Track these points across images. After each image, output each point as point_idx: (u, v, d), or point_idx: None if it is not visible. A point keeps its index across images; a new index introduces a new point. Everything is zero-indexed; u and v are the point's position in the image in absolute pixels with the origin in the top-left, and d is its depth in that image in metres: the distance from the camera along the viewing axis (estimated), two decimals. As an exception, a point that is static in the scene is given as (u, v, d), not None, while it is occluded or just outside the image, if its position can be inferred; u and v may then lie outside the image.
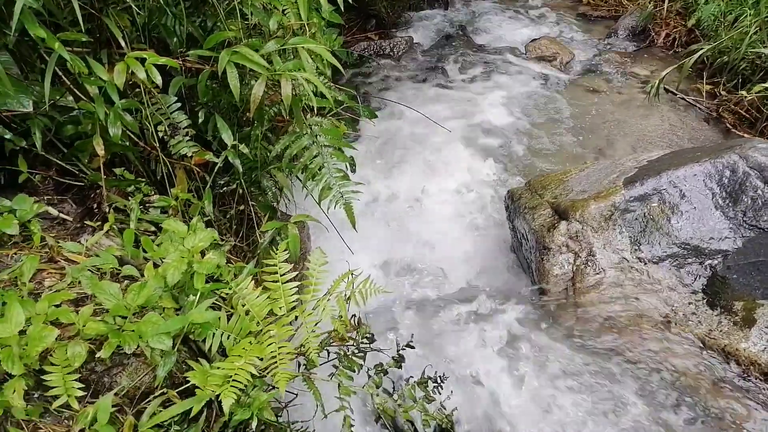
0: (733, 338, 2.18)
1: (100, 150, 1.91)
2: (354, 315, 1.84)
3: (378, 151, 3.89)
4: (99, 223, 1.96)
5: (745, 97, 4.41)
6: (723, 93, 4.77)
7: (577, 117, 4.71)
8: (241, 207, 2.45)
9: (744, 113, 4.54)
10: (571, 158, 4.21)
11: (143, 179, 2.13)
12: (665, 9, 5.79)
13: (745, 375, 2.12)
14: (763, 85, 4.25)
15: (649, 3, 5.93)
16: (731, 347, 2.17)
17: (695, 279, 2.43)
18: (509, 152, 4.15)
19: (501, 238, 3.34)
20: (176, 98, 2.16)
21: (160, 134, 2.10)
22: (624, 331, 2.26)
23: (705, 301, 2.36)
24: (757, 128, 4.43)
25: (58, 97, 1.94)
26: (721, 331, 2.23)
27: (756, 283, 2.28)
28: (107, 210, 1.97)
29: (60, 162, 2.01)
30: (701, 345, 2.25)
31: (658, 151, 3.22)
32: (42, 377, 1.44)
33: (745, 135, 4.38)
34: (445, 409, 1.80)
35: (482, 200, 3.62)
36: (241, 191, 2.39)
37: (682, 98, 4.94)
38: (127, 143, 2.06)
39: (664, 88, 4.92)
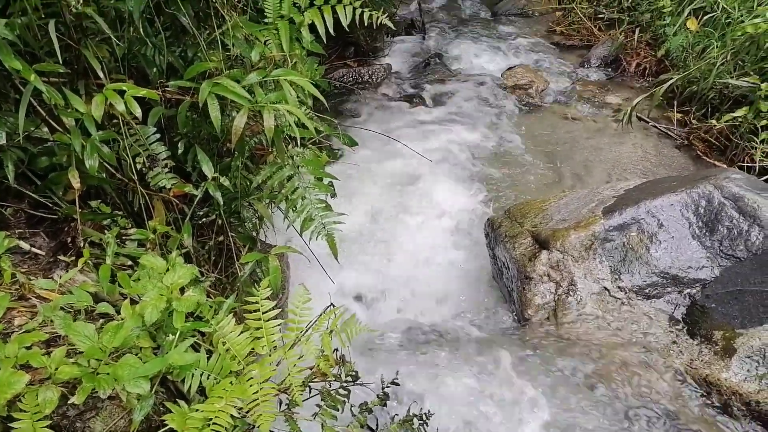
0: (714, 368, 2.20)
1: (76, 182, 1.86)
2: (336, 349, 1.80)
3: (358, 179, 3.89)
4: (73, 257, 1.89)
5: (715, 126, 4.54)
6: (693, 121, 4.90)
7: (554, 144, 4.79)
8: (221, 238, 2.40)
9: (714, 141, 4.66)
10: (549, 185, 4.26)
11: (120, 212, 2.07)
12: (636, 39, 5.97)
13: (727, 405, 2.13)
14: (732, 114, 4.38)
15: (620, 33, 6.11)
16: (713, 377, 2.18)
17: (675, 308, 2.46)
18: (488, 179, 4.18)
19: (481, 267, 3.34)
20: (155, 129, 2.12)
21: (138, 166, 2.05)
22: (606, 361, 2.26)
23: (685, 330, 2.39)
24: (726, 156, 4.55)
25: (32, 129, 1.88)
26: (702, 360, 2.25)
27: (735, 312, 2.31)
28: (82, 244, 1.90)
29: (33, 194, 1.95)
30: (683, 375, 2.26)
31: (633, 178, 3.28)
32: (10, 425, 1.37)
33: (716, 162, 4.50)
34: (431, 447, 1.77)
35: (461, 229, 3.63)
36: (220, 222, 2.34)
37: (654, 126, 5.06)
38: (104, 175, 2.01)
39: (637, 116, 5.05)
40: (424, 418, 1.73)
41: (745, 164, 4.21)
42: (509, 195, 4.01)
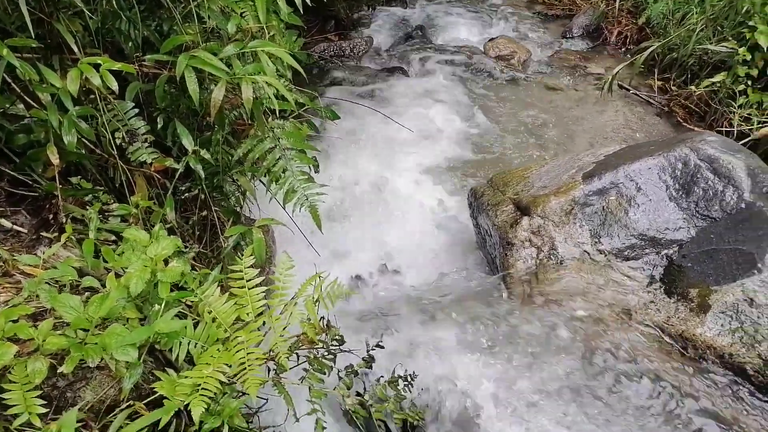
0: (689, 324, 2.27)
1: (55, 159, 1.85)
2: (323, 317, 1.84)
3: (340, 152, 3.89)
4: (56, 234, 1.90)
5: (695, 92, 4.59)
6: (673, 88, 4.95)
7: (537, 114, 4.81)
8: (204, 213, 2.41)
9: (694, 107, 4.71)
10: (532, 154, 4.30)
11: (101, 188, 2.07)
12: (617, 8, 5.97)
13: (702, 358, 2.21)
14: (711, 80, 4.43)
15: (602, 2, 6.10)
16: (688, 333, 2.25)
17: (653, 269, 2.52)
18: (471, 150, 4.21)
19: (465, 236, 3.39)
20: (133, 104, 2.11)
21: (118, 141, 2.05)
22: (585, 321, 2.32)
23: (662, 289, 2.45)
24: (706, 121, 4.61)
25: (8, 106, 1.87)
26: (678, 317, 2.32)
27: (709, 270, 2.37)
28: (64, 220, 1.90)
29: (12, 172, 1.94)
30: (660, 331, 2.33)
31: (614, 145, 3.31)
32: (0, 396, 1.39)
33: (695, 128, 4.55)
34: (416, 406, 1.82)
35: (445, 199, 3.67)
36: (203, 197, 2.35)
37: (635, 94, 5.10)
38: (83, 151, 2.01)
39: (618, 85, 5.08)
40: (409, 378, 1.78)
41: (724, 129, 4.27)
42: (492, 165, 4.04)
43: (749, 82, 4.23)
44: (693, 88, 4.57)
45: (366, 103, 3.92)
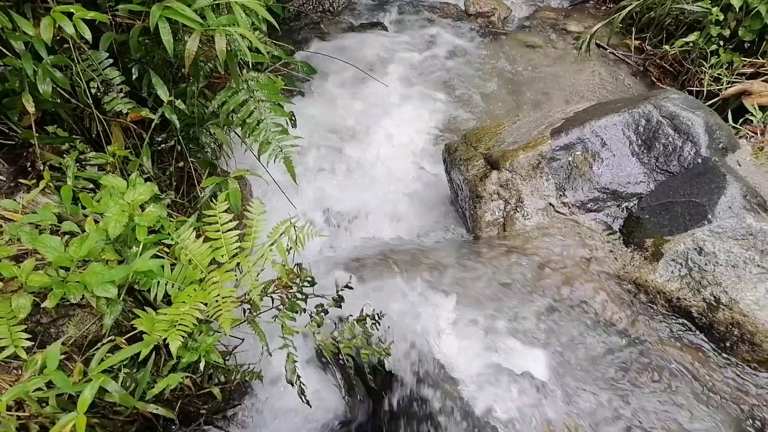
0: (643, 271, 2.41)
1: (30, 107, 1.89)
2: (298, 264, 1.93)
3: (316, 106, 3.93)
4: (34, 181, 1.95)
5: (669, 51, 4.66)
6: (649, 48, 5.01)
7: (515, 71, 4.86)
8: (181, 164, 2.47)
9: (668, 67, 4.79)
10: (508, 111, 4.37)
11: (78, 137, 2.12)
12: (598, -35, 5.94)
13: (653, 302, 2.36)
14: (684, 39, 4.50)
15: (584, -41, 6.06)
16: (641, 279, 2.40)
17: (614, 220, 2.65)
18: (448, 106, 4.26)
19: (439, 191, 3.48)
20: (107, 54, 2.14)
21: (93, 91, 2.08)
22: (548, 269, 2.45)
23: (621, 240, 2.59)
24: (678, 81, 4.70)
25: (-19, 54, 1.89)
26: (633, 265, 2.46)
27: (665, 222, 2.50)
28: (42, 168, 1.96)
29: (-12, 120, 1.98)
30: (617, 279, 2.47)
31: (586, 103, 3.40)
32: (-13, 330, 1.48)
33: (668, 88, 4.64)
34: (383, 343, 1.94)
35: (421, 154, 3.74)
36: (179, 148, 2.40)
37: (612, 53, 5.15)
38: (58, 100, 2.04)
39: (596, 44, 5.12)
40: (377, 317, 1.90)
41: (695, 89, 4.37)
42: (468, 121, 4.11)
43: (721, 42, 4.31)
44: (667, 48, 4.64)
45: (343, 57, 3.92)
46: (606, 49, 5.18)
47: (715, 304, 2.23)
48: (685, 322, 2.28)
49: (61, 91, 2.01)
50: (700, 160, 2.56)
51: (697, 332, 2.24)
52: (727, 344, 2.20)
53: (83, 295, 1.56)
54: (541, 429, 1.89)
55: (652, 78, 4.87)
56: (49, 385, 1.53)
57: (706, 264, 2.30)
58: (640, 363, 2.16)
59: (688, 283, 2.30)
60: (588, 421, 1.95)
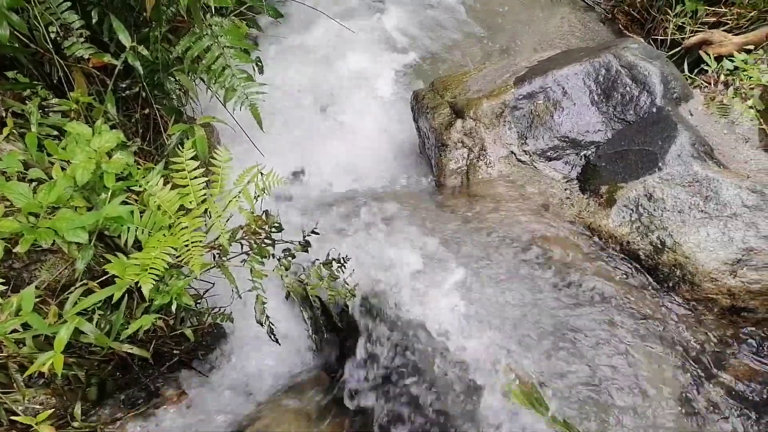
0: (597, 217, 2.54)
1: (-11, 52, 1.86)
2: (265, 211, 1.99)
3: (284, 52, 3.88)
4: (-3, 128, 1.94)
5: (636, -1, 4.68)
6: (618, -6, 5.02)
7: (483, 18, 4.83)
8: (146, 111, 2.45)
9: (636, 15, 4.83)
10: (477, 59, 4.38)
11: (39, 83, 2.09)
12: None
13: (605, 246, 2.51)
14: (652, -13, 4.52)
15: None
16: (595, 224, 2.53)
17: (572, 168, 2.76)
18: (418, 54, 4.25)
19: (408, 140, 3.53)
20: (65, -4, 2.08)
21: (52, 36, 2.04)
22: (508, 213, 2.56)
23: (578, 187, 2.70)
24: (645, 29, 4.76)
25: (-68, -5, 1.83)
26: (588, 211, 2.59)
27: (619, 169, 2.62)
28: (4, 114, 1.94)
29: (-56, 65, 1.94)
30: (573, 224, 2.60)
31: (552, 51, 3.44)
32: (-41, 275, 1.52)
33: (635, 36, 4.70)
34: (348, 285, 2.05)
35: (390, 103, 3.76)
36: (144, 95, 2.39)
37: (582, 0, 5.16)
38: (17, 45, 2.00)
39: (566, -11, 5.12)
40: (342, 261, 1.99)
41: (659, 37, 4.44)
42: (437, 69, 4.12)
43: (687, -9, 4.34)
44: (635, -5, 4.66)
45: (311, 3, 3.86)
46: (576, -4, 5.17)
47: (660, 246, 2.38)
48: (634, 263, 2.44)
49: (18, 35, 1.97)
50: (654, 110, 2.66)
51: (645, 272, 2.40)
52: (670, 284, 2.37)
53: (54, 241, 1.60)
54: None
55: (620, 26, 4.91)
56: (25, 326, 1.60)
57: (654, 210, 2.44)
58: (592, 301, 2.32)
59: (637, 228, 2.44)
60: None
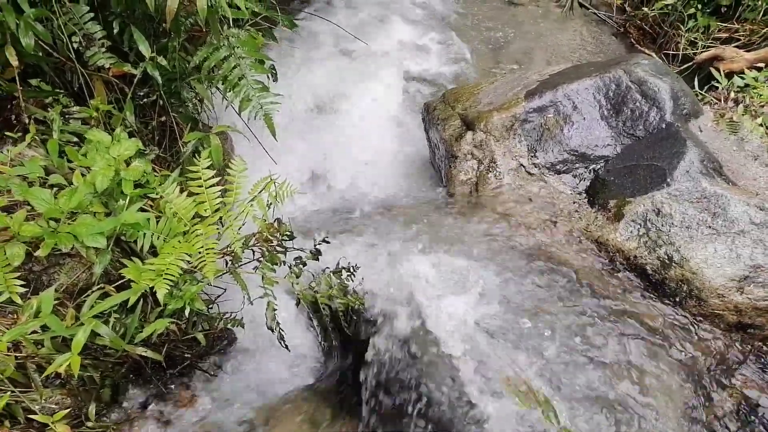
0: (604, 231, 2.56)
1: (14, 60, 1.92)
2: (278, 219, 2.03)
3: (299, 63, 3.94)
4: (20, 134, 2.00)
5: (648, 13, 4.71)
6: (630, 9, 5.05)
7: (497, 30, 4.88)
8: (163, 118, 2.51)
9: (648, 29, 4.85)
10: (488, 71, 4.42)
11: (60, 91, 2.15)
12: None
13: (613, 260, 2.52)
14: (664, 2, 4.54)
15: None
16: (603, 238, 2.55)
17: (581, 182, 2.78)
18: (430, 65, 4.30)
19: (418, 151, 3.57)
20: (89, 8, 2.15)
21: (75, 45, 2.11)
22: (516, 225, 2.59)
23: (586, 200, 2.72)
24: (657, 43, 4.78)
25: (-38, 5, 1.90)
26: (596, 225, 2.61)
27: (628, 184, 2.64)
28: (27, 121, 2.00)
29: (-29, 73, 2.00)
30: (580, 237, 2.62)
31: (563, 64, 3.47)
32: (-17, 277, 1.57)
33: (646, 50, 4.72)
34: (357, 293, 2.08)
35: (402, 114, 3.81)
36: (161, 103, 2.45)
37: (595, 13, 5.19)
38: (41, 54, 2.07)
39: (579, 3, 5.15)
40: (352, 270, 2.03)
41: (671, 52, 4.46)
42: (449, 80, 4.16)
43: (699, 6, 4.37)
44: (646, 9, 4.68)
45: (326, 15, 3.92)
46: (588, 9, 5.21)
47: (668, 262, 2.39)
48: (641, 279, 2.45)
49: (43, 44, 2.03)
50: (664, 126, 2.68)
51: (651, 288, 2.42)
52: (677, 299, 2.38)
53: (73, 245, 1.65)
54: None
55: (632, 40, 4.94)
56: (44, 328, 1.64)
57: (662, 225, 2.45)
58: (596, 314, 2.33)
59: (645, 242, 2.46)
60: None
